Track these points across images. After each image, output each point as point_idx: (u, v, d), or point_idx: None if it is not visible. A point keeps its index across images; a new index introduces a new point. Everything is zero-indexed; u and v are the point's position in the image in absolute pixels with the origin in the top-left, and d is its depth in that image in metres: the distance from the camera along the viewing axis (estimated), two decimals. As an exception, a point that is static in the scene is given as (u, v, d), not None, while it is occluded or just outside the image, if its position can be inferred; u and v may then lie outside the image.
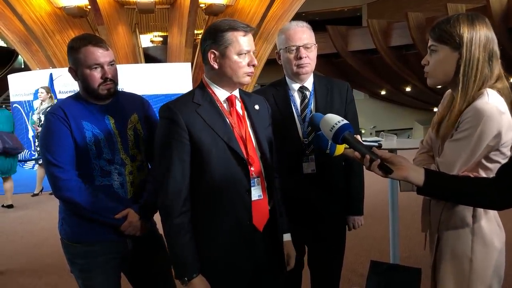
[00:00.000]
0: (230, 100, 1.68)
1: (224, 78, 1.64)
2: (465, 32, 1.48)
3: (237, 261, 1.65)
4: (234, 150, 1.61)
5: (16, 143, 6.32)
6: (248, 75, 1.65)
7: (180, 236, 1.60)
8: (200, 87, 1.70)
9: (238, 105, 1.71)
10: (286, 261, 1.81)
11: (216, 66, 1.63)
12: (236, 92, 1.71)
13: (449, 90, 1.65)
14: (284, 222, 1.81)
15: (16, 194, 6.71)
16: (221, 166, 1.61)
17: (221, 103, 1.67)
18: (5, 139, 6.13)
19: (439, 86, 1.63)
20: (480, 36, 1.49)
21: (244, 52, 1.61)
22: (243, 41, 1.61)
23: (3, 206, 6.54)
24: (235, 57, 1.61)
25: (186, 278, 1.60)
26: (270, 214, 1.71)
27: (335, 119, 1.45)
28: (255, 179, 1.66)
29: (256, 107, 1.75)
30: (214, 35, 1.61)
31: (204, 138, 1.60)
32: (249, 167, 1.64)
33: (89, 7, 11.84)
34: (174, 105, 1.63)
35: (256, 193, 1.66)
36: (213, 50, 1.62)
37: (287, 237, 1.83)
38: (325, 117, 1.49)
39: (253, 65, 1.65)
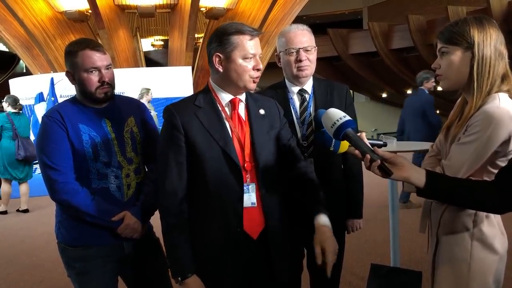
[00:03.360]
0: (233, 103, 1.66)
1: (229, 82, 1.63)
2: (476, 32, 1.48)
3: (226, 266, 1.63)
4: (229, 155, 1.60)
5: (34, 149, 6.39)
6: (254, 81, 1.63)
7: (175, 236, 1.61)
8: (204, 91, 1.69)
9: (241, 108, 1.68)
10: (323, 255, 1.47)
11: (221, 69, 1.61)
12: (241, 95, 1.69)
13: (461, 97, 1.63)
14: (318, 202, 1.62)
15: (16, 198, 6.71)
16: (214, 170, 1.60)
17: (223, 106, 1.65)
18: (27, 147, 6.26)
19: (451, 90, 1.60)
20: (491, 34, 1.49)
21: (249, 56, 1.59)
22: (249, 45, 1.59)
23: (18, 210, 6.57)
24: (240, 61, 1.59)
25: (180, 278, 1.61)
26: (266, 223, 1.66)
27: (337, 115, 1.43)
28: (249, 186, 1.63)
29: (261, 111, 1.71)
30: (220, 38, 1.59)
31: (199, 141, 1.59)
32: (243, 173, 1.62)
33: (90, 11, 11.88)
34: (174, 107, 1.64)
35: (249, 200, 1.63)
36: (218, 53, 1.60)
37: (321, 220, 1.55)
38: (327, 112, 1.46)
39: (258, 69, 1.62)
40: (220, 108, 1.65)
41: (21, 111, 6.50)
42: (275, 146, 1.72)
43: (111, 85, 1.87)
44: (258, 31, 1.63)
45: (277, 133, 1.73)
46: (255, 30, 1.61)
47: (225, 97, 1.66)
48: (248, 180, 1.63)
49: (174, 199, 1.60)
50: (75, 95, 1.93)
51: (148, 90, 7.28)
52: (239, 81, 1.61)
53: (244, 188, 1.62)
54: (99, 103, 1.89)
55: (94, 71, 1.82)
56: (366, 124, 21.04)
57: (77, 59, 1.82)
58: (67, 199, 1.81)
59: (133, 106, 2.01)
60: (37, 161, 6.45)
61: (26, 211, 6.57)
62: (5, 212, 6.49)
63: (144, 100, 7.03)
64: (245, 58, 1.59)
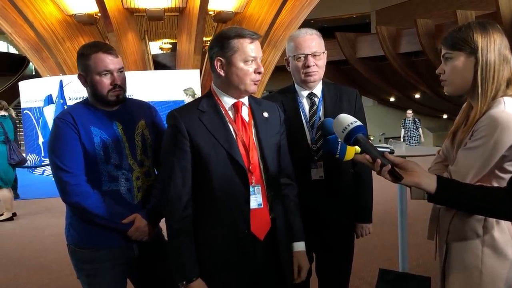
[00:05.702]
0: (236, 107, 1.68)
1: (231, 85, 1.64)
2: (479, 37, 1.48)
3: (234, 269, 1.64)
4: (234, 158, 1.61)
5: (23, 154, 6.38)
6: (255, 84, 1.64)
7: (179, 240, 1.62)
8: (207, 95, 1.71)
9: (245, 112, 1.70)
10: (297, 272, 1.78)
11: (222, 73, 1.63)
12: (244, 99, 1.70)
13: (466, 103, 1.63)
14: (297, 230, 1.79)
15: (25, 199, 6.74)
16: (220, 173, 1.61)
17: (226, 110, 1.67)
18: (20, 152, 6.21)
19: (456, 95, 1.60)
20: (495, 39, 1.48)
21: (250, 59, 1.61)
22: (249, 48, 1.60)
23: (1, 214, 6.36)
24: (241, 64, 1.61)
25: (184, 282, 1.61)
26: (272, 223, 1.69)
27: (348, 120, 1.44)
28: (255, 188, 1.64)
29: (265, 114, 1.74)
30: (220, 42, 1.62)
31: (204, 145, 1.61)
32: (249, 175, 1.63)
33: (99, 14, 11.95)
34: (178, 112, 1.66)
35: (255, 201, 1.64)
36: (219, 58, 1.62)
37: (299, 246, 1.79)
38: (338, 117, 1.47)
39: (259, 73, 1.64)
40: (223, 112, 1.67)
41: (6, 115, 6.33)
42: (276, 151, 1.74)
43: (123, 88, 1.89)
44: (258, 34, 1.65)
45: (279, 140, 1.76)
46: (255, 34, 1.64)
47: (228, 101, 1.68)
48: (253, 181, 1.64)
49: (178, 204, 1.61)
50: (87, 97, 1.95)
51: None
52: (240, 84, 1.63)
53: (250, 189, 1.63)
54: (110, 105, 1.90)
55: (106, 74, 1.84)
56: (373, 128, 20.96)
57: (89, 62, 1.83)
58: (79, 201, 1.82)
59: (144, 109, 2.02)
60: (24, 166, 6.35)
61: (14, 214, 6.38)
62: (11, 218, 6.32)
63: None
64: (246, 61, 1.61)
